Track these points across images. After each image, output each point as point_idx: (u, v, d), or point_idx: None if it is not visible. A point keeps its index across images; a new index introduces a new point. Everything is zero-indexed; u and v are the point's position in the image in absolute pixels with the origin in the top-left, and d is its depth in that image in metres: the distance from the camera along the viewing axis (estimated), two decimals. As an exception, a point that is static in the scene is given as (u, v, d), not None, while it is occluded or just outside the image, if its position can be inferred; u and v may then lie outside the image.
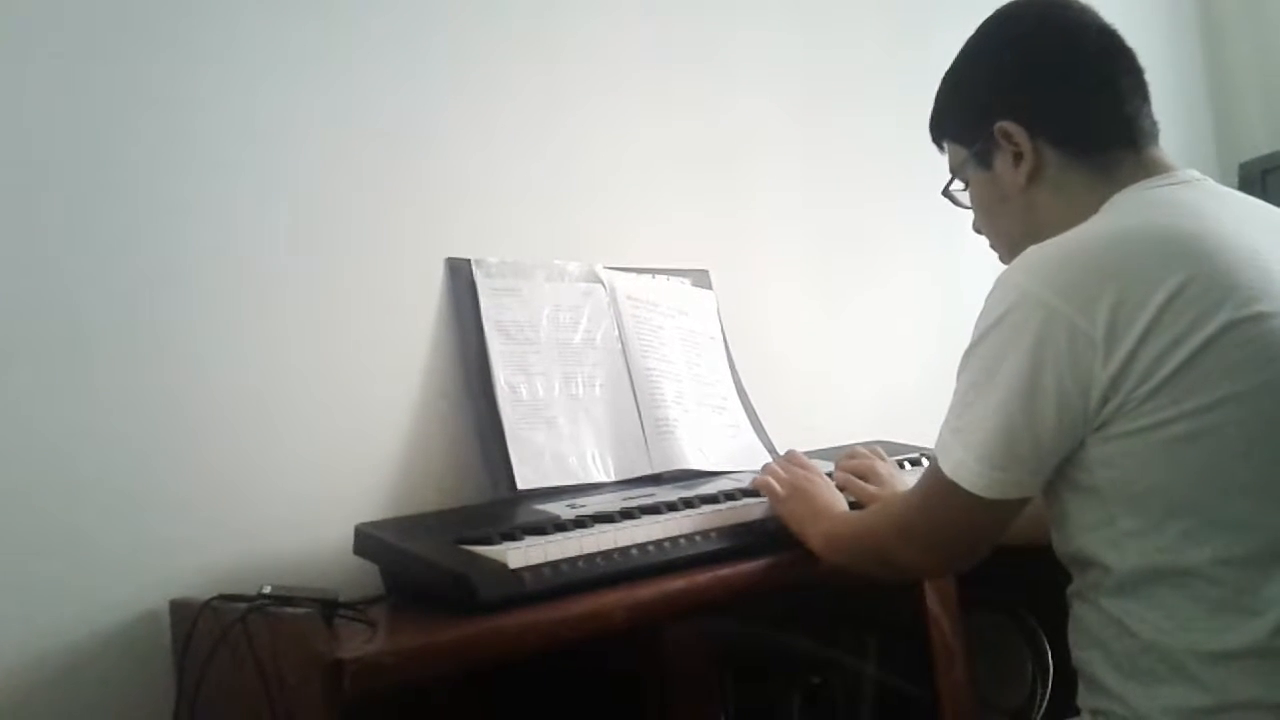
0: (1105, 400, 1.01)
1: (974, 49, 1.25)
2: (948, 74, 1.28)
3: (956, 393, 1.10)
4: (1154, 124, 1.19)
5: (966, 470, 1.06)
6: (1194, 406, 0.99)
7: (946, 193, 1.31)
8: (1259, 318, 1.00)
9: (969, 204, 1.29)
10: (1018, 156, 1.19)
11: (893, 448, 1.58)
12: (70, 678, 1.22)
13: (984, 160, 1.23)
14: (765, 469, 1.43)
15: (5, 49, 1.25)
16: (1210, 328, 0.99)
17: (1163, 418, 1.00)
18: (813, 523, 1.29)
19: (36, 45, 1.27)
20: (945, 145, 1.30)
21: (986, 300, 1.08)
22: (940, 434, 1.10)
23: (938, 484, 1.09)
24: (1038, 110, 1.18)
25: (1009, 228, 1.24)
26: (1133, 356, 0.99)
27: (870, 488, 1.39)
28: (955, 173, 1.28)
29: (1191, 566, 1.01)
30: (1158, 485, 1.02)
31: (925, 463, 1.45)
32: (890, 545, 1.20)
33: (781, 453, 1.67)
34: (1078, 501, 1.08)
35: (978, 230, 1.30)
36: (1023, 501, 1.09)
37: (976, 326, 1.08)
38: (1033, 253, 1.07)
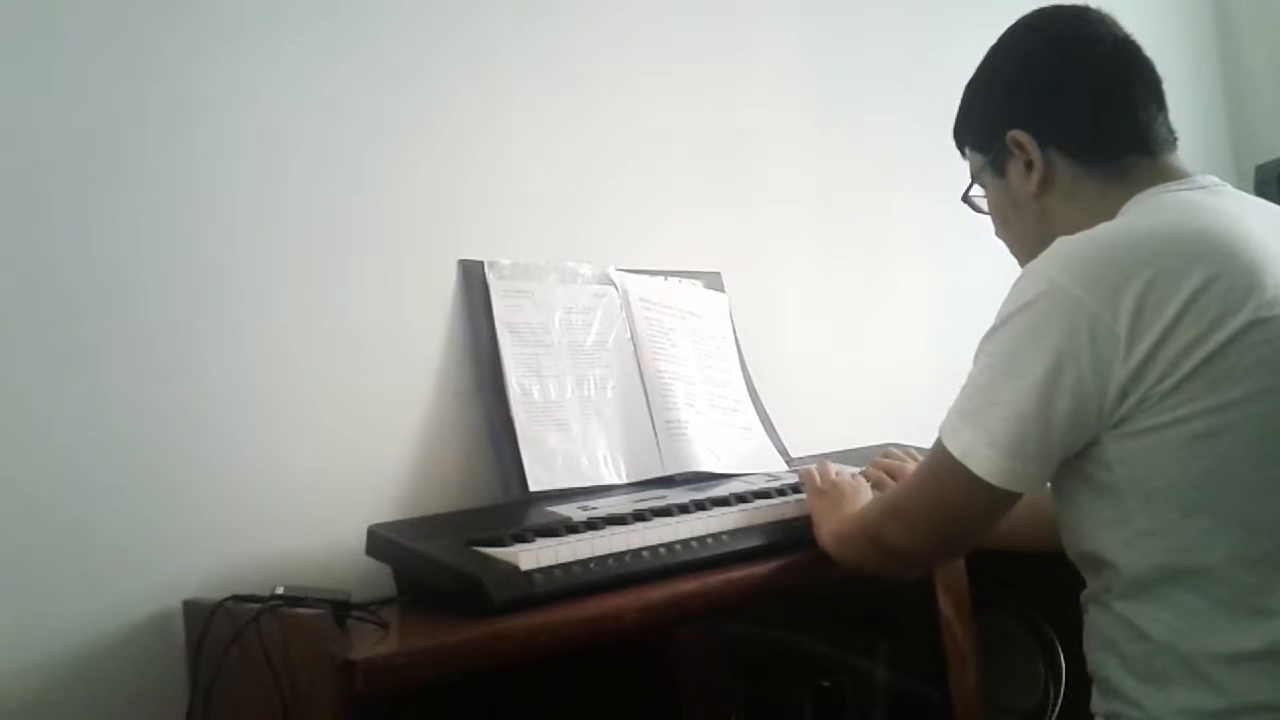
0: (1125, 395, 1.01)
1: (992, 58, 1.27)
2: (969, 82, 1.30)
3: (972, 374, 1.10)
4: (1171, 132, 1.20)
5: (976, 454, 1.06)
6: (1214, 404, 1.00)
7: (966, 198, 1.33)
8: None
9: (987, 210, 1.31)
10: (1029, 165, 1.21)
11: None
12: (84, 678, 1.23)
13: (998, 168, 1.25)
14: (819, 464, 1.42)
15: (6, 50, 1.25)
16: (1233, 326, 1.00)
17: (1182, 414, 1.00)
18: (828, 520, 1.29)
19: (38, 45, 1.27)
20: (966, 151, 1.32)
21: (1013, 288, 1.08)
22: (949, 416, 1.10)
23: (941, 463, 1.09)
24: (1047, 120, 1.20)
25: (1023, 234, 1.25)
26: (1155, 351, 1.00)
27: (894, 482, 1.39)
28: (974, 179, 1.30)
29: (1206, 566, 1.01)
30: (1175, 483, 1.02)
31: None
32: (880, 524, 1.20)
33: (793, 456, 1.67)
34: (1094, 500, 1.08)
35: (999, 236, 1.31)
36: (1017, 497, 1.08)
37: (1000, 311, 1.09)
38: (1061, 244, 1.07)
